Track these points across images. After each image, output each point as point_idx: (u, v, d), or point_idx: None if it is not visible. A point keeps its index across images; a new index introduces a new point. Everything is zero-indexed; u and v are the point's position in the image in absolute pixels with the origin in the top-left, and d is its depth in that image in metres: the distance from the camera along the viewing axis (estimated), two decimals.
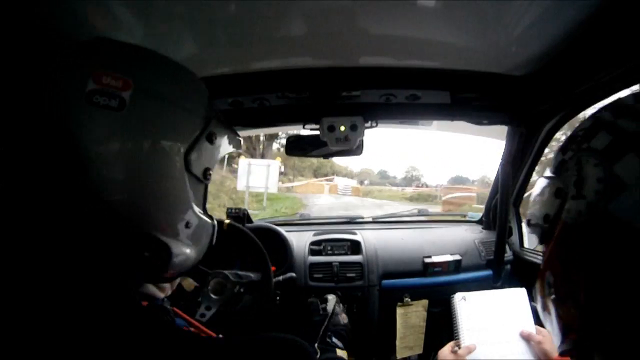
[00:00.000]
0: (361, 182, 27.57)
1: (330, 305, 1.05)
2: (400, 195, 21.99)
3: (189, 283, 0.98)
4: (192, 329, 0.55)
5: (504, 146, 1.23)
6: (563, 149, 0.44)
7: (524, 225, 1.41)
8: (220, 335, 0.66)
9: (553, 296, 0.41)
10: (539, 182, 0.49)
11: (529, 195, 0.51)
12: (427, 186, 27.59)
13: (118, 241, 0.39)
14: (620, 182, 0.34)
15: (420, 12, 0.68)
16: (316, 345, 0.91)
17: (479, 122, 1.13)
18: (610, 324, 0.35)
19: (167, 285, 0.48)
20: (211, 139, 0.44)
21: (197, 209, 0.45)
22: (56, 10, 0.62)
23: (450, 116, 1.09)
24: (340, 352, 0.91)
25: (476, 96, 1.00)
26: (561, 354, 0.42)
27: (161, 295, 0.47)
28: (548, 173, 0.47)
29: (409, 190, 25.89)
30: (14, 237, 0.38)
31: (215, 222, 0.51)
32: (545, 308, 0.45)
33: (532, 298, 1.07)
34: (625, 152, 0.35)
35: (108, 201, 0.37)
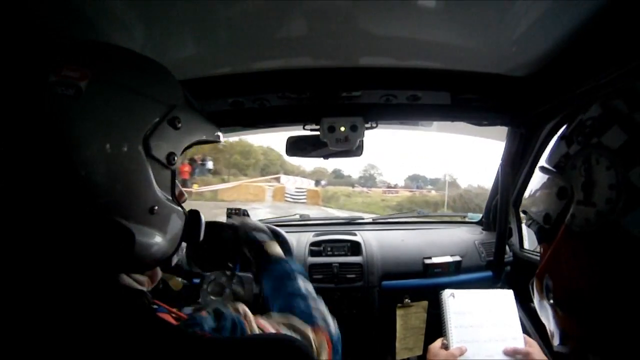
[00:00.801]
0: (317, 183, 20.46)
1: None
2: (380, 202, 15.97)
3: (177, 282, 0.96)
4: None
5: (504, 147, 1.23)
6: (567, 140, 0.38)
7: (524, 226, 1.40)
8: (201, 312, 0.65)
9: (551, 301, 0.38)
10: (538, 175, 0.43)
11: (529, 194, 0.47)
12: (395, 187, 22.60)
13: (81, 226, 0.40)
14: (637, 192, 0.29)
15: (421, 12, 0.68)
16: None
17: (479, 123, 1.13)
18: (612, 337, 0.32)
19: (143, 279, 0.48)
20: (174, 124, 0.45)
21: (162, 195, 0.45)
22: (57, 10, 0.62)
23: (451, 117, 1.09)
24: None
25: (476, 97, 1.00)
26: (555, 355, 0.40)
27: (139, 287, 0.47)
28: (546, 164, 0.41)
29: (377, 190, 20.21)
30: None
31: (186, 211, 0.51)
32: (542, 308, 0.42)
33: (523, 299, 1.06)
34: None
35: (73, 187, 0.39)
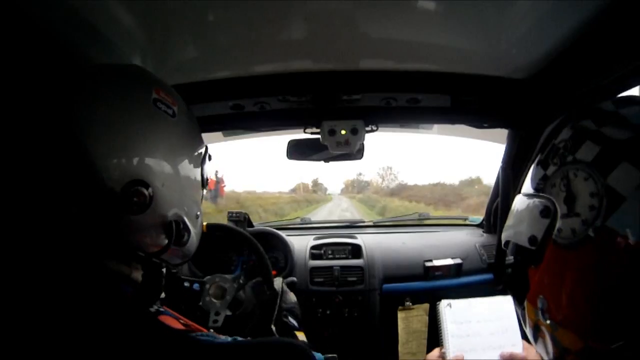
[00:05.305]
0: None
1: (277, 284, 0.98)
2: None
3: None
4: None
5: (505, 149, 1.23)
6: (542, 164, 0.41)
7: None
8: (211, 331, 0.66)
9: (549, 321, 0.38)
10: (518, 201, 0.45)
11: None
12: None
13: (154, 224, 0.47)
14: (616, 194, 0.32)
15: (421, 15, 0.68)
16: (272, 326, 0.87)
17: (479, 126, 1.13)
18: (618, 344, 0.32)
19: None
20: (209, 157, 0.58)
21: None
22: (57, 16, 0.62)
23: (451, 120, 1.09)
24: (299, 334, 0.87)
25: (476, 99, 1.00)
26: None
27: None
28: (527, 190, 0.43)
29: None
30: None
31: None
32: (537, 332, 0.41)
33: (523, 300, 1.04)
34: (618, 161, 0.32)
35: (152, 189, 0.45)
